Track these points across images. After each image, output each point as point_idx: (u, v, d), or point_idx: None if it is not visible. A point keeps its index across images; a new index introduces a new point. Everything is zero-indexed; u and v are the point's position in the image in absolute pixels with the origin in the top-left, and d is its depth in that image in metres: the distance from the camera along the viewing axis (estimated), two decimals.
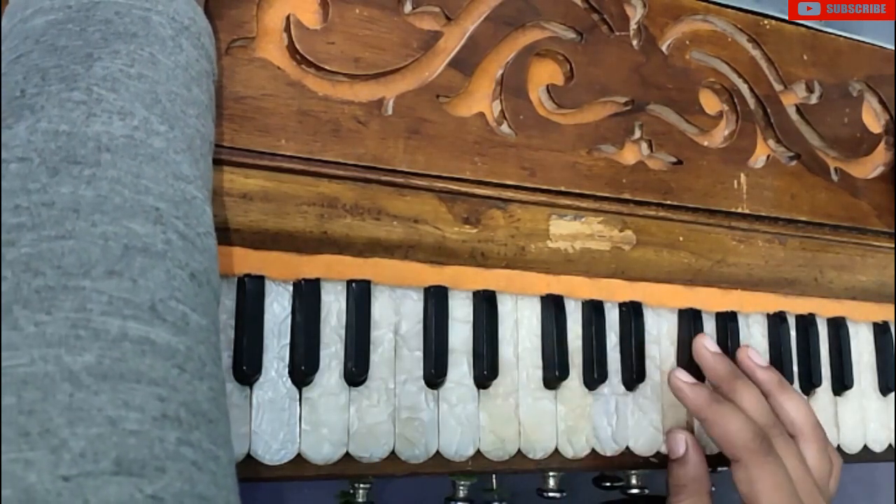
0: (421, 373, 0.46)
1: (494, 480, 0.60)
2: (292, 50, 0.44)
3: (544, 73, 0.51)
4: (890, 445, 0.61)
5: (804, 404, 0.52)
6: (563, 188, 0.50)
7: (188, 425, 0.27)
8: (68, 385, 0.24)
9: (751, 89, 0.57)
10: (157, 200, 0.30)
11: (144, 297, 0.28)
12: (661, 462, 0.53)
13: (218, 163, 0.41)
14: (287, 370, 0.43)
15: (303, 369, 0.43)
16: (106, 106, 0.31)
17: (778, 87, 0.58)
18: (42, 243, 0.27)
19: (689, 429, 0.53)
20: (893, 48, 0.63)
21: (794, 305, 0.59)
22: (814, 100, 0.59)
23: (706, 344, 0.53)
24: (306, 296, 0.44)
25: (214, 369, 0.30)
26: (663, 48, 0.54)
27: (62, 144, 0.29)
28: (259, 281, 0.43)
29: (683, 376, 0.52)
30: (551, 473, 0.52)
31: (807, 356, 0.58)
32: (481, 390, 0.48)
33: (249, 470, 0.42)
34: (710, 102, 0.56)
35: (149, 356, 0.27)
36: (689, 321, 0.55)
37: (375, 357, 0.45)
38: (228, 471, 0.28)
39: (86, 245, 0.27)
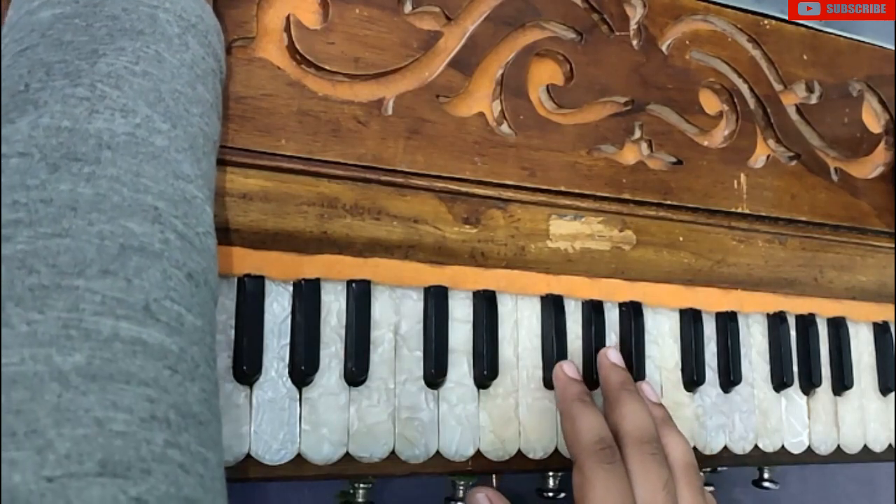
0: (421, 373, 0.46)
1: (494, 480, 0.60)
2: (292, 50, 0.44)
3: (544, 73, 0.51)
4: (890, 445, 0.61)
5: (685, 444, 0.47)
6: (563, 188, 0.50)
7: (177, 427, 0.26)
8: (57, 385, 0.24)
9: (751, 89, 0.57)
10: (156, 199, 0.30)
11: (138, 296, 0.28)
12: None
13: (218, 163, 0.41)
14: (287, 370, 0.43)
15: (303, 369, 0.43)
16: (109, 103, 0.31)
17: (778, 87, 0.58)
18: (38, 241, 0.27)
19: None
20: (893, 48, 0.63)
21: (794, 305, 0.59)
22: (814, 100, 0.59)
23: (609, 354, 0.50)
24: (306, 296, 0.44)
25: (208, 370, 0.30)
26: (663, 48, 0.54)
27: (63, 141, 0.29)
28: (259, 281, 0.43)
29: (569, 370, 0.48)
30: (551, 473, 0.52)
31: (807, 356, 0.58)
32: (481, 390, 0.48)
33: (249, 470, 0.42)
34: (710, 102, 0.56)
35: (140, 357, 0.27)
36: (689, 321, 0.55)
37: (375, 357, 0.45)
38: (217, 473, 0.28)
39: (81, 244, 0.27)
